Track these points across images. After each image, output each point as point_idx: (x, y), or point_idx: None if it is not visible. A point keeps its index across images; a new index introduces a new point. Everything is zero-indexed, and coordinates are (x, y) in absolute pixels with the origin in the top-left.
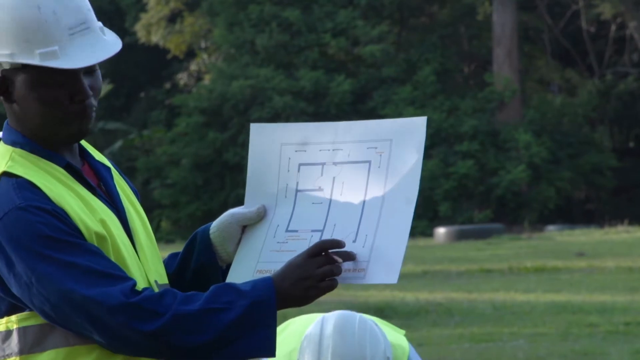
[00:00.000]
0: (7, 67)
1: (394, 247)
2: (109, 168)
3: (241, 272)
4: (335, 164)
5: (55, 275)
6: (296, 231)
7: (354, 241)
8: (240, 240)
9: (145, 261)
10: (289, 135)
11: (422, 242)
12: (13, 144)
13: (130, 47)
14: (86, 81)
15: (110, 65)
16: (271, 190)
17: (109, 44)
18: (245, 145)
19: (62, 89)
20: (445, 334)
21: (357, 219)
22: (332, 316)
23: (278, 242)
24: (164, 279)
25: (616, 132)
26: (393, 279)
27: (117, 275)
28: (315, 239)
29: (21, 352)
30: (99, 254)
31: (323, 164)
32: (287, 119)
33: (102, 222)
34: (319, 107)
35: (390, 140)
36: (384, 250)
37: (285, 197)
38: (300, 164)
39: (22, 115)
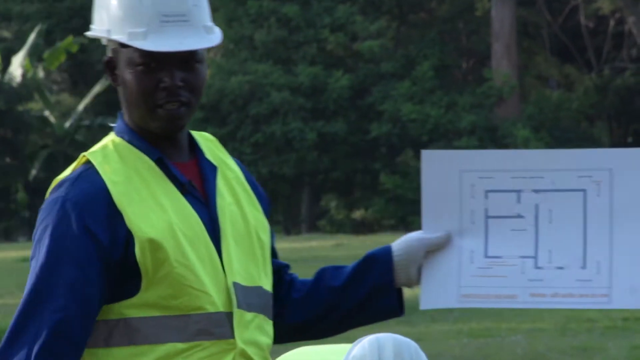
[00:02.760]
0: (107, 44)
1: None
2: (215, 167)
3: (440, 297)
4: (536, 191)
5: (33, 274)
6: (500, 257)
7: (583, 267)
8: (424, 265)
9: (228, 262)
10: (469, 162)
11: None
12: (117, 132)
13: None
14: (180, 74)
15: None
16: (453, 217)
17: (201, 40)
18: (243, 140)
19: (153, 75)
20: (444, 329)
21: (581, 245)
22: (389, 339)
23: (479, 268)
24: (254, 282)
25: (615, 127)
26: None
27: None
28: (529, 264)
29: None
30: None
31: (519, 191)
32: (285, 115)
33: (168, 222)
34: (317, 103)
35: (609, 169)
36: (628, 275)
37: (473, 223)
38: (487, 191)
39: (123, 99)
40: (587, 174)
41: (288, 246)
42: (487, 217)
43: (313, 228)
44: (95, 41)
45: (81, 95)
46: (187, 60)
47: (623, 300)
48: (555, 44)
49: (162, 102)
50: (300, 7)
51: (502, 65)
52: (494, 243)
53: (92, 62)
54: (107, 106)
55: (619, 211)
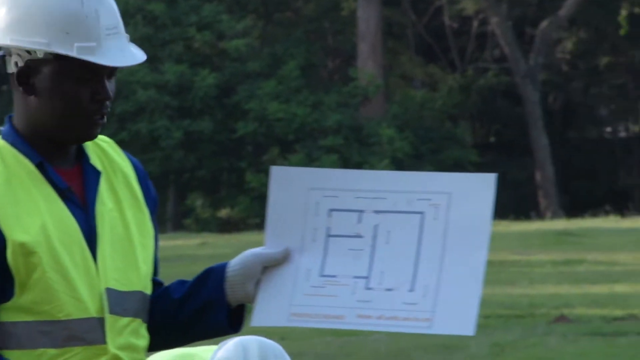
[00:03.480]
0: (40, 55)
1: (465, 297)
2: (99, 173)
3: (271, 314)
4: (377, 212)
5: None
6: (334, 276)
7: (411, 290)
8: (260, 280)
9: (103, 268)
10: (316, 180)
11: None
12: (2, 136)
13: None
14: (108, 85)
15: None
16: (296, 234)
17: (135, 52)
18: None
19: (86, 86)
20: (307, 328)
21: (411, 268)
22: (254, 341)
23: (313, 287)
24: (133, 286)
25: (477, 127)
26: (468, 330)
27: None
28: (361, 285)
29: None
30: None
31: (361, 212)
32: (151, 113)
33: (42, 227)
34: (183, 101)
35: (448, 193)
36: (452, 300)
37: (314, 240)
38: (331, 209)
39: (37, 108)
40: (427, 197)
41: None
42: (329, 235)
43: (178, 227)
44: None
45: None
46: (113, 71)
47: (444, 325)
48: (420, 44)
49: (93, 113)
50: (167, 5)
51: (367, 65)
52: (331, 262)
53: None
54: None
55: (452, 236)
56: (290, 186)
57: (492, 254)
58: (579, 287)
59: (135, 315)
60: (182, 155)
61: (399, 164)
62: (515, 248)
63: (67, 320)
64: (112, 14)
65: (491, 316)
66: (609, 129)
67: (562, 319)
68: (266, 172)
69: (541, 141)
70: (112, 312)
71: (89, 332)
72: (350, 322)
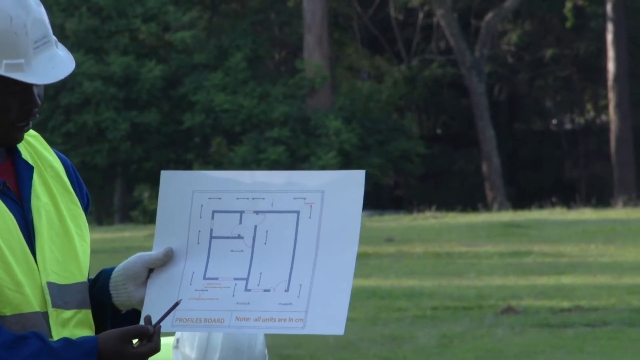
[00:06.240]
0: None
1: (335, 296)
2: (31, 167)
3: (157, 319)
4: (256, 212)
5: None
6: (216, 279)
7: (287, 290)
8: (147, 284)
9: (42, 262)
10: (202, 183)
11: None
12: None
13: None
14: (35, 91)
15: None
16: (181, 237)
17: (65, 60)
18: (54, 130)
19: (14, 97)
20: None
21: (288, 268)
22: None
23: (196, 290)
24: (74, 279)
25: (424, 119)
26: (338, 329)
27: None
28: (240, 287)
29: None
30: None
31: (242, 212)
32: (97, 105)
33: None
34: (129, 93)
35: (321, 191)
36: (324, 300)
37: (198, 243)
38: (214, 211)
39: None
40: (302, 195)
41: (100, 237)
42: (212, 237)
43: (126, 218)
44: None
45: None
46: None
47: (316, 325)
48: (366, 36)
49: (19, 121)
50: None
51: (314, 57)
52: (214, 264)
53: None
54: None
55: (324, 234)
56: (177, 189)
57: (440, 245)
58: (526, 278)
59: (80, 306)
60: (129, 147)
61: (346, 156)
62: (462, 240)
63: (13, 315)
64: (40, 25)
65: (439, 308)
66: (554, 121)
67: (509, 310)
68: (214, 164)
69: (487, 133)
70: (54, 305)
71: (35, 326)
72: (230, 326)
